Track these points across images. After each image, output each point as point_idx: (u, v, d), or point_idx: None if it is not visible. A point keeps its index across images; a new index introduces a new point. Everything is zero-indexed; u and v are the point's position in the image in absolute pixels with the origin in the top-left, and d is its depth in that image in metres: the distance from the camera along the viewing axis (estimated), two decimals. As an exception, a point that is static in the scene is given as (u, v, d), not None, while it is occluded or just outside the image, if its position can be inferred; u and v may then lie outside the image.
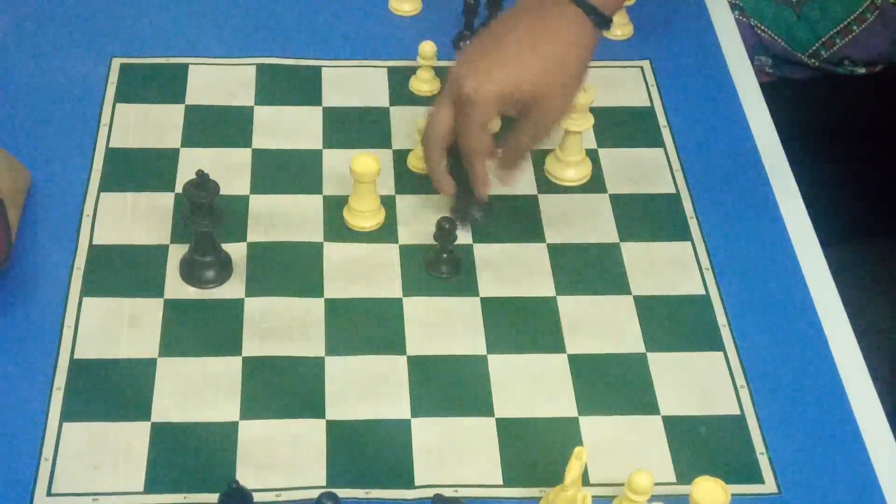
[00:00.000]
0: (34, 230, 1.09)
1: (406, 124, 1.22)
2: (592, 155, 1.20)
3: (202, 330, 1.03)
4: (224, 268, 1.07)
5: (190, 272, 1.06)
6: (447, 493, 0.91)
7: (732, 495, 0.88)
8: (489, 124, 1.05)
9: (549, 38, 1.03)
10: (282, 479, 0.93)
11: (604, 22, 1.04)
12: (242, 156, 1.18)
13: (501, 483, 0.94)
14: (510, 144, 1.07)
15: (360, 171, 1.09)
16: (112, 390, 0.98)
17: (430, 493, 0.91)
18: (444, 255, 1.08)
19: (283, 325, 1.03)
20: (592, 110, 1.16)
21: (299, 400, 0.98)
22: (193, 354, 1.01)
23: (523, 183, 1.17)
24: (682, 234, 1.14)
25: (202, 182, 1.02)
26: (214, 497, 0.88)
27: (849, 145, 1.63)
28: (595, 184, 1.18)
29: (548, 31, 1.03)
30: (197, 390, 0.98)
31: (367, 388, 0.99)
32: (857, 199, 1.63)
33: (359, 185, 1.10)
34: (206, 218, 1.03)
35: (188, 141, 1.19)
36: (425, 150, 1.09)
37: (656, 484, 0.89)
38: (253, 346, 1.01)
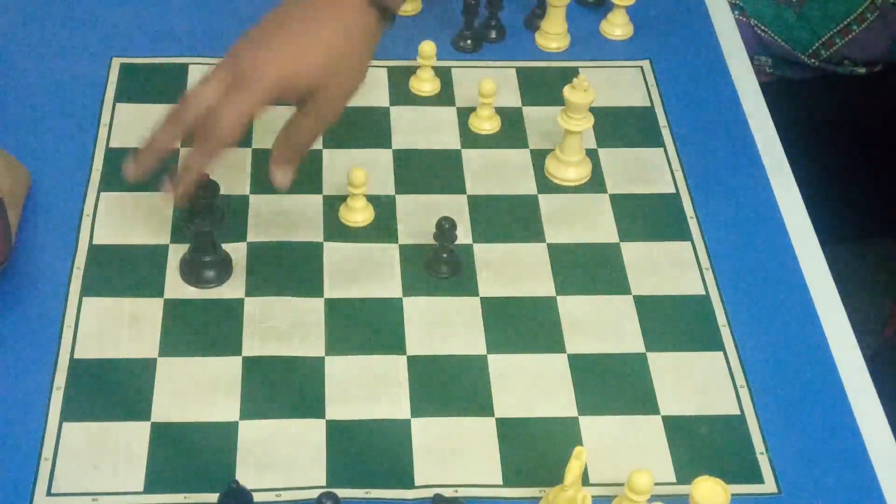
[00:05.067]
0: (34, 230, 1.09)
1: (406, 124, 1.22)
2: (592, 155, 1.20)
3: (202, 330, 1.03)
4: (224, 268, 1.07)
5: (190, 272, 1.06)
6: (447, 493, 0.91)
7: (732, 495, 0.88)
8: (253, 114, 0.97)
9: (333, 28, 0.99)
10: (282, 479, 0.93)
11: (387, 15, 1.02)
12: (243, 156, 1.18)
13: (501, 483, 0.94)
14: (285, 139, 1.01)
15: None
16: (112, 390, 0.98)
17: (429, 492, 0.91)
18: (444, 255, 1.08)
19: (283, 325, 1.03)
20: (592, 110, 1.16)
21: (299, 400, 0.98)
22: (193, 354, 1.01)
23: (523, 183, 1.18)
24: (682, 234, 1.14)
25: (202, 182, 1.02)
26: (214, 497, 0.88)
27: (849, 145, 1.64)
28: (595, 184, 1.18)
29: (331, 20, 0.99)
30: (197, 390, 0.98)
31: (367, 388, 0.99)
32: (857, 199, 1.63)
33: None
34: (206, 218, 1.03)
35: (189, 141, 1.19)
36: (167, 119, 0.99)
37: (656, 484, 0.89)
38: (253, 346, 1.01)
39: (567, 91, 1.14)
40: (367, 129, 1.22)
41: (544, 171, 1.18)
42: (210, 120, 0.96)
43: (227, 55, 1.00)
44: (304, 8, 1.00)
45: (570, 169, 1.18)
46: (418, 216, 1.13)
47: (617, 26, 1.35)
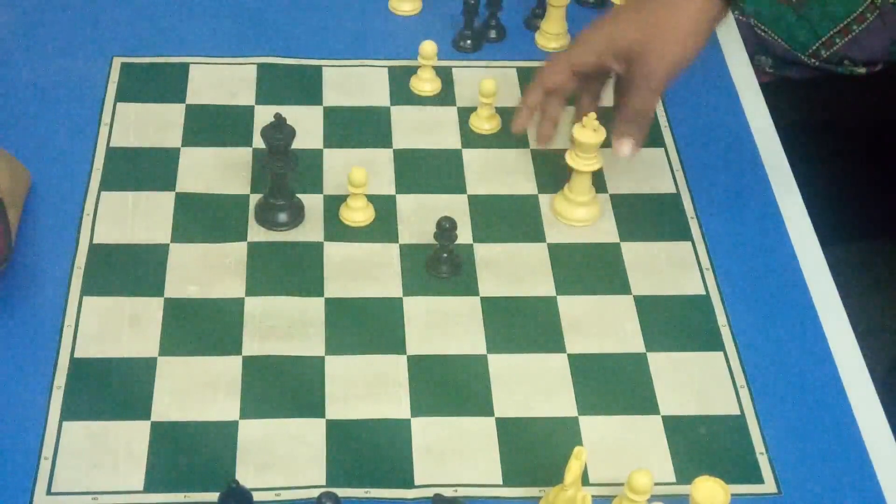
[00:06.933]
0: (34, 230, 1.09)
1: (407, 124, 1.23)
2: (592, 155, 1.20)
3: (202, 329, 1.03)
4: (296, 212, 1.10)
5: (264, 215, 1.10)
6: (447, 492, 0.91)
7: (732, 495, 0.88)
8: (574, 70, 1.13)
9: (662, 5, 1.08)
10: (281, 479, 0.93)
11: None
12: (243, 155, 1.18)
13: (501, 483, 0.94)
14: (623, 111, 1.11)
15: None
16: (112, 389, 0.98)
17: (429, 492, 0.91)
18: (444, 255, 1.08)
19: (283, 325, 1.03)
20: (593, 110, 1.16)
21: (299, 399, 0.98)
22: (193, 354, 1.01)
23: (523, 183, 1.18)
24: (682, 234, 1.14)
25: (279, 124, 1.06)
26: (214, 496, 0.88)
27: (849, 145, 1.63)
28: (595, 184, 1.18)
29: (666, 2, 1.08)
30: (197, 390, 0.98)
31: (367, 388, 0.99)
32: (856, 199, 1.63)
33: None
34: (281, 160, 1.07)
35: (189, 140, 1.19)
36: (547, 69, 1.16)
37: (656, 484, 0.89)
38: (253, 345, 1.01)
39: (576, 131, 1.11)
40: (367, 128, 1.22)
41: (552, 210, 1.15)
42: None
43: None
44: None
45: (579, 209, 1.14)
46: (418, 216, 1.13)
47: (617, 26, 1.35)
